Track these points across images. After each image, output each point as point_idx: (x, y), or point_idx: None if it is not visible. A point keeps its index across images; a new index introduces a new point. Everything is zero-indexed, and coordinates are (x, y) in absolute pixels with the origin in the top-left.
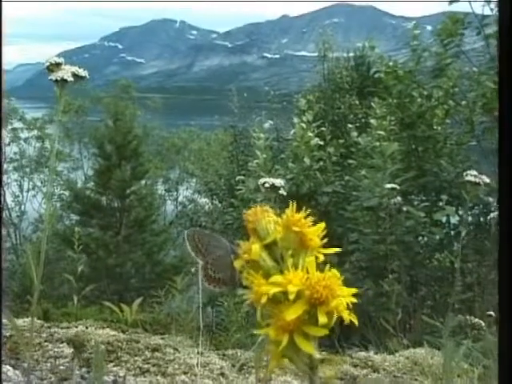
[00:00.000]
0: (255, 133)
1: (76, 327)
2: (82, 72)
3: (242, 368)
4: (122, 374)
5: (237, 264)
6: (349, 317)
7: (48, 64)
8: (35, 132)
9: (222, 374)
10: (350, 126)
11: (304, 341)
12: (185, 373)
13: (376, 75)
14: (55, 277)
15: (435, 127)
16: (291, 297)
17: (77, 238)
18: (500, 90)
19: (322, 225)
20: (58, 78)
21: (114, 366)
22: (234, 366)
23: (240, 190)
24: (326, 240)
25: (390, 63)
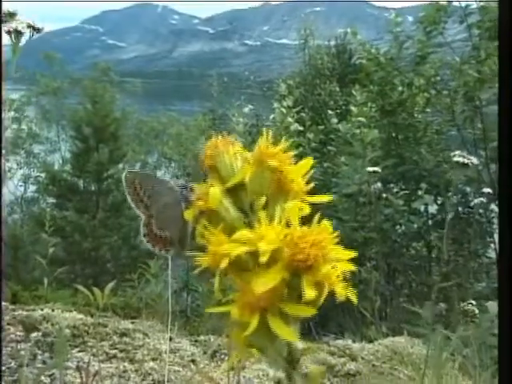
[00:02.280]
0: (234, 117)
1: (42, 310)
2: (38, 23)
3: (214, 355)
4: (86, 360)
5: (188, 215)
6: (344, 291)
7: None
8: (12, 113)
9: (193, 361)
10: (330, 112)
11: (281, 324)
12: (154, 359)
13: (358, 61)
14: (29, 260)
15: (416, 115)
16: (263, 259)
17: (48, 220)
18: (500, 90)
19: (309, 161)
20: (11, 30)
21: (78, 351)
22: (205, 352)
23: None
24: (312, 185)
25: (372, 50)
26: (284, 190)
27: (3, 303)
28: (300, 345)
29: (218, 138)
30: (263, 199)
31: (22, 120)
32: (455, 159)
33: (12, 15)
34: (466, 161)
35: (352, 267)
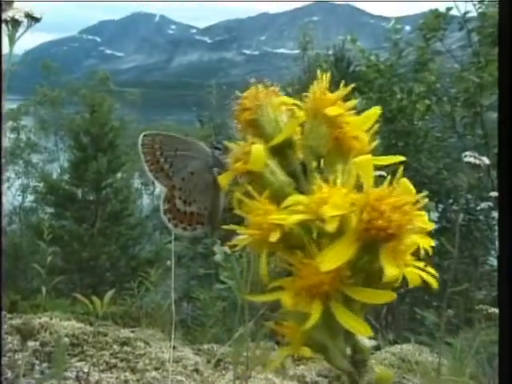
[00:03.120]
0: (234, 124)
1: (40, 318)
2: (37, 12)
3: (218, 364)
4: (86, 370)
5: (223, 181)
6: (422, 273)
7: None
8: (10, 123)
9: (197, 371)
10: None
11: (349, 314)
12: (156, 368)
13: (357, 69)
14: (28, 269)
15: (416, 122)
16: (332, 227)
17: (46, 228)
18: (500, 90)
19: (376, 110)
20: (8, 18)
21: (78, 360)
22: (209, 361)
23: None
24: (377, 142)
25: (372, 57)
26: (344, 149)
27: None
28: (368, 342)
29: (258, 86)
30: (318, 160)
31: (20, 129)
32: (466, 160)
33: (9, 3)
34: (477, 161)
35: (433, 243)
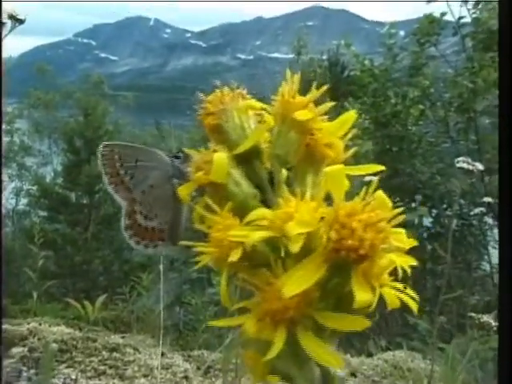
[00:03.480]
0: None
1: (28, 324)
2: (21, 14)
3: (207, 371)
4: (73, 377)
5: (183, 192)
6: (400, 295)
7: None
8: (4, 126)
9: (186, 378)
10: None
11: (317, 342)
12: (145, 376)
13: (351, 73)
14: (21, 273)
15: (410, 127)
16: (295, 247)
17: (38, 232)
18: (500, 91)
19: (352, 115)
20: None
21: (66, 367)
22: (199, 368)
23: None
24: (353, 151)
25: (366, 62)
26: (316, 158)
27: None
28: (341, 372)
29: (223, 89)
30: (286, 170)
31: (13, 132)
32: (459, 165)
33: None
34: (470, 167)
35: (414, 262)
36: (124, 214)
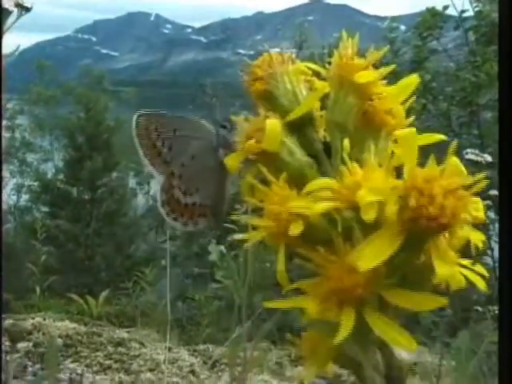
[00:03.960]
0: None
1: (33, 319)
2: (27, 2)
3: (214, 365)
4: (79, 372)
5: (231, 163)
6: (474, 274)
7: None
8: (5, 122)
9: (193, 372)
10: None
11: (389, 324)
12: (151, 370)
13: None
14: (23, 269)
15: (412, 121)
16: (370, 215)
17: (40, 227)
18: (500, 91)
19: (414, 79)
20: None
21: (71, 361)
22: (205, 362)
23: None
24: (413, 118)
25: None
26: (375, 125)
27: None
28: (406, 356)
29: (271, 53)
30: (344, 138)
31: (15, 128)
32: (467, 157)
33: None
34: (478, 158)
35: (484, 237)
36: (160, 189)
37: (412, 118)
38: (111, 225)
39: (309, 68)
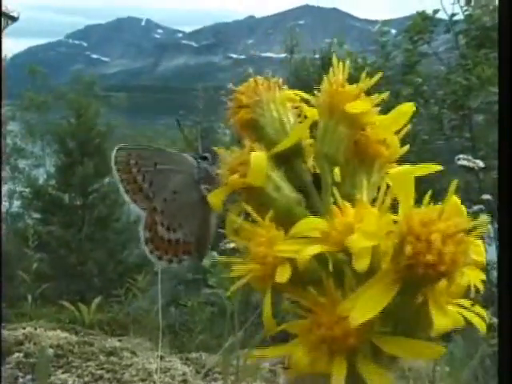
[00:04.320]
0: (220, 129)
1: (24, 328)
2: (13, 11)
3: (207, 374)
4: (70, 382)
5: (214, 199)
6: (473, 315)
7: None
8: None
9: (185, 381)
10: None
11: (383, 375)
12: (143, 380)
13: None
14: (15, 276)
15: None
16: (362, 265)
17: (31, 234)
18: (500, 91)
19: (410, 107)
20: None
21: (62, 372)
22: (198, 371)
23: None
24: (407, 148)
25: (359, 60)
26: (367, 157)
27: None
28: None
29: (257, 79)
30: (334, 170)
31: (6, 134)
32: (460, 163)
33: None
34: (471, 164)
35: (484, 276)
36: (143, 226)
37: (406, 148)
38: (103, 230)
39: (297, 95)
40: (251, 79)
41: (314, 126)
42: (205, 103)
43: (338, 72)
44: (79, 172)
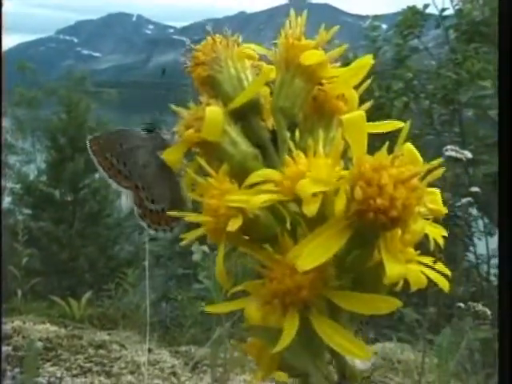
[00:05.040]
0: None
1: (12, 322)
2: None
3: (195, 366)
4: (58, 375)
5: (170, 156)
6: (435, 273)
7: None
8: None
9: (174, 374)
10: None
11: (338, 330)
12: (131, 372)
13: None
14: (6, 272)
15: (394, 119)
16: (311, 209)
17: (21, 230)
18: (500, 92)
19: (368, 59)
20: None
21: (51, 365)
22: (186, 364)
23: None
24: (370, 104)
25: (350, 55)
26: (325, 112)
27: None
28: (360, 364)
29: (214, 37)
30: (291, 125)
31: None
32: (448, 154)
33: None
34: (458, 155)
35: (446, 233)
36: (134, 204)
37: (369, 104)
38: (94, 226)
39: (255, 51)
40: (209, 37)
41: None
42: (195, 98)
43: (296, 25)
44: (70, 168)
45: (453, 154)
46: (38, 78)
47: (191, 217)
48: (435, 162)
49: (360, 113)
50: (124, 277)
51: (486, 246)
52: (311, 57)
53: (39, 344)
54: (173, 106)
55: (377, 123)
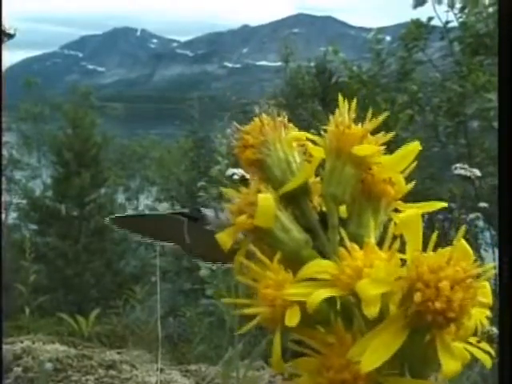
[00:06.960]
0: (217, 138)
1: (22, 342)
2: (10, 29)
3: None
4: None
5: (223, 241)
6: (479, 351)
7: None
8: None
9: None
10: (313, 132)
11: None
12: None
13: (340, 80)
14: (12, 289)
15: (399, 133)
16: (372, 312)
17: (28, 246)
18: (500, 92)
19: (416, 146)
20: None
21: None
22: (198, 383)
23: (201, 196)
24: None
25: (354, 68)
26: (373, 195)
27: None
28: None
29: (263, 117)
30: (341, 210)
31: (2, 146)
32: (457, 172)
33: None
34: (468, 173)
35: (489, 312)
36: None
37: (412, 184)
38: (101, 241)
39: (302, 135)
40: (256, 118)
41: (320, 164)
42: (200, 113)
43: (344, 112)
44: (76, 183)
45: (462, 172)
46: (44, 92)
47: (249, 310)
48: (489, 266)
49: (416, 212)
50: (131, 293)
51: (492, 257)
52: (364, 149)
53: (49, 365)
54: (223, 189)
55: (424, 204)
